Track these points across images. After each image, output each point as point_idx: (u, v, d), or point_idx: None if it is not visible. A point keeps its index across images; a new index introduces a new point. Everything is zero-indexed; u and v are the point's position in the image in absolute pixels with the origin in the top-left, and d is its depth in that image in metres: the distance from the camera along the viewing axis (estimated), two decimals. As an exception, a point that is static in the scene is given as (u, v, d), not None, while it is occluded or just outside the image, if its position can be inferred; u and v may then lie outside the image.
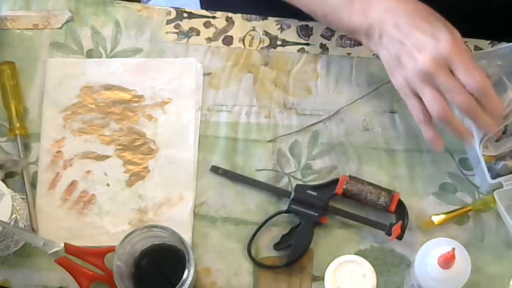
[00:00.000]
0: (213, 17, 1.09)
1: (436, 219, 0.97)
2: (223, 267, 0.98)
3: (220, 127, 1.03)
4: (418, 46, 0.88)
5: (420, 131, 0.93)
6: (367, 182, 0.98)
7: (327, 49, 1.07)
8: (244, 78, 1.06)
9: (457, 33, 0.89)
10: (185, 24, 1.09)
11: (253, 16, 1.09)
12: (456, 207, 0.99)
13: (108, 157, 1.02)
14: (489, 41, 1.06)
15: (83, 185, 1.01)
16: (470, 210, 0.98)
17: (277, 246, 0.98)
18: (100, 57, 1.07)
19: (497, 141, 0.99)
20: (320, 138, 1.03)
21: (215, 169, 1.02)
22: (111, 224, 0.99)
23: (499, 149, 0.99)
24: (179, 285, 0.87)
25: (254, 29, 1.08)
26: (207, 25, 1.09)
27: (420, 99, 0.90)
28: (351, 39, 1.06)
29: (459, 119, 0.91)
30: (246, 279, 0.97)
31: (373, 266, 0.87)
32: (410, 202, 0.98)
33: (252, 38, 1.08)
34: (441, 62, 0.87)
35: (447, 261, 0.83)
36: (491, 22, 1.08)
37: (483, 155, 0.97)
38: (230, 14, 1.09)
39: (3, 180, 0.96)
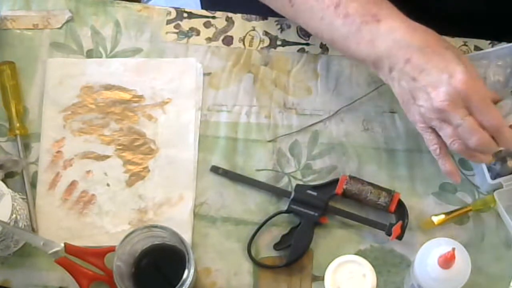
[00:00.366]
0: (213, 17, 1.09)
1: (436, 219, 0.97)
2: (223, 267, 0.98)
3: (220, 127, 1.03)
4: (432, 83, 0.86)
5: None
6: (367, 182, 0.98)
7: (327, 49, 1.07)
8: (244, 78, 1.06)
9: (466, 60, 0.88)
10: (185, 24, 1.09)
11: (253, 16, 1.09)
12: (456, 207, 0.99)
13: (108, 157, 1.02)
14: (489, 41, 1.06)
15: (83, 185, 1.01)
16: (470, 210, 0.98)
17: (277, 246, 0.98)
18: (100, 57, 1.07)
19: None
20: (320, 138, 1.03)
21: (215, 169, 1.02)
22: (111, 224, 0.99)
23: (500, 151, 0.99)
24: (179, 285, 0.87)
25: (254, 29, 1.08)
26: (207, 25, 1.09)
27: (436, 132, 0.90)
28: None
29: None
30: (246, 279, 0.97)
31: (373, 266, 0.87)
32: (410, 202, 0.98)
33: (252, 38, 1.08)
34: (457, 100, 0.85)
35: (447, 261, 0.83)
36: (491, 22, 1.08)
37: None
38: (230, 14, 1.09)
39: (3, 180, 0.96)
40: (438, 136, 0.90)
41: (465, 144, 0.88)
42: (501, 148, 0.91)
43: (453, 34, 1.06)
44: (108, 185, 1.01)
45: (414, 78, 0.87)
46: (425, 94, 0.87)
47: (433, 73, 0.86)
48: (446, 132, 0.88)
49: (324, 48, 1.07)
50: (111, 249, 0.93)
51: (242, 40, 1.08)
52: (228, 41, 1.08)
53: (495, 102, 0.90)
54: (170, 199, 1.00)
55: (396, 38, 0.88)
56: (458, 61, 0.86)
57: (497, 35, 1.06)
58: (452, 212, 0.98)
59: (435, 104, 0.86)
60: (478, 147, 0.87)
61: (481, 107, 0.86)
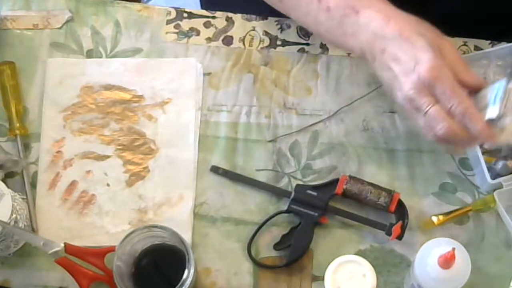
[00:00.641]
0: (213, 17, 1.09)
1: (436, 219, 0.97)
2: (223, 267, 0.98)
3: (220, 127, 1.03)
4: (403, 71, 0.86)
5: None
6: (367, 182, 0.98)
7: (327, 49, 1.07)
8: (244, 78, 1.06)
9: (445, 44, 0.88)
10: (185, 24, 1.09)
11: (253, 16, 1.09)
12: (456, 207, 0.99)
13: (108, 157, 1.02)
14: (489, 41, 1.06)
15: (83, 185, 1.01)
16: (470, 210, 0.98)
17: (277, 246, 0.98)
18: (100, 57, 1.07)
19: None
20: (320, 138, 1.03)
21: (215, 169, 1.02)
22: (111, 224, 0.99)
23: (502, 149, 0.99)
24: (179, 285, 0.87)
25: (254, 29, 1.08)
26: (207, 25, 1.09)
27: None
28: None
29: None
30: (246, 279, 0.97)
31: (373, 266, 0.87)
32: (410, 202, 0.98)
33: (252, 38, 1.08)
34: (421, 88, 0.85)
35: (447, 261, 0.83)
36: (491, 22, 1.08)
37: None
38: (230, 14, 1.09)
39: (3, 180, 0.96)
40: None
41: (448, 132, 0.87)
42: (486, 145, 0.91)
43: (453, 34, 1.06)
44: (108, 185, 1.01)
45: (390, 67, 0.87)
46: (398, 83, 0.87)
47: (403, 61, 0.86)
48: (419, 122, 0.88)
49: (324, 48, 1.07)
50: (111, 249, 0.93)
51: (242, 40, 1.08)
52: (228, 41, 1.08)
53: (479, 88, 0.89)
54: (170, 199, 1.00)
55: (372, 29, 0.88)
56: (428, 48, 0.85)
57: (497, 35, 1.06)
58: (452, 212, 0.98)
59: (404, 93, 0.86)
60: (445, 136, 0.86)
61: (448, 94, 0.85)
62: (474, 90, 0.89)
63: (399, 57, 0.86)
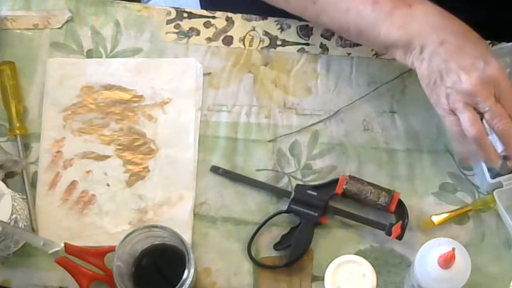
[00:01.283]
0: (213, 17, 1.09)
1: (436, 219, 0.97)
2: (223, 267, 0.98)
3: (220, 127, 1.03)
4: (465, 67, 0.87)
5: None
6: (367, 182, 0.98)
7: (327, 49, 1.07)
8: (244, 78, 1.06)
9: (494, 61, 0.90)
10: (185, 24, 1.09)
11: (253, 16, 1.09)
12: (456, 207, 0.99)
13: (108, 157, 1.02)
14: (489, 41, 1.06)
15: (83, 185, 1.01)
16: (470, 210, 0.98)
17: (277, 246, 0.98)
18: (100, 57, 1.07)
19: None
20: (320, 138, 1.03)
21: (215, 169, 1.02)
22: (111, 224, 0.99)
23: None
24: (179, 285, 0.87)
25: (254, 29, 1.08)
26: (207, 25, 1.09)
27: (457, 116, 0.90)
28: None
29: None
30: (246, 279, 0.97)
31: (373, 266, 0.87)
32: (410, 202, 0.98)
33: (252, 38, 1.08)
34: (488, 85, 0.87)
35: (447, 261, 0.83)
36: (491, 22, 1.08)
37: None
38: (230, 14, 1.09)
39: (3, 180, 0.95)
40: (459, 119, 0.90)
41: (483, 131, 0.88)
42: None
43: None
44: (108, 185, 1.01)
45: (447, 60, 0.88)
46: (456, 77, 0.87)
47: (467, 58, 0.87)
48: (467, 116, 0.88)
49: (324, 48, 1.07)
50: (111, 249, 0.93)
51: (242, 40, 1.08)
52: (228, 41, 1.08)
53: None
54: (170, 199, 1.00)
55: (431, 21, 0.90)
56: (490, 50, 0.90)
57: (497, 35, 1.06)
58: (452, 212, 0.98)
59: (466, 86, 0.87)
60: (502, 132, 0.88)
61: (510, 97, 0.87)
62: None
63: (461, 52, 0.88)
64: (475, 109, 0.88)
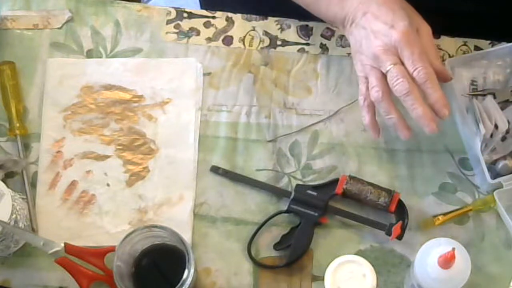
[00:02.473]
0: (213, 17, 1.09)
1: (436, 219, 0.97)
2: (223, 267, 0.98)
3: (220, 127, 1.03)
4: (376, 31, 0.92)
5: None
6: (367, 182, 0.98)
7: (327, 49, 1.07)
8: (244, 78, 1.06)
9: (423, 26, 0.93)
10: (185, 24, 1.09)
11: (253, 16, 1.09)
12: (456, 207, 0.99)
13: (108, 157, 1.02)
14: (489, 41, 1.06)
15: (83, 185, 1.01)
16: (470, 210, 0.98)
17: (277, 246, 0.98)
18: (100, 57, 1.07)
19: (503, 140, 0.99)
20: (320, 138, 1.03)
21: (215, 169, 1.02)
22: (111, 224, 0.99)
23: (508, 148, 0.99)
24: (179, 285, 0.87)
25: (254, 29, 1.08)
26: (207, 25, 1.09)
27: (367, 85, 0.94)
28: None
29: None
30: (246, 279, 0.97)
31: (373, 266, 0.87)
32: (410, 202, 0.98)
33: (252, 38, 1.08)
34: (390, 48, 0.91)
35: (447, 261, 0.83)
36: (491, 22, 1.08)
37: (494, 159, 0.97)
38: (230, 14, 1.09)
39: (3, 180, 0.96)
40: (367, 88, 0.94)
41: (386, 93, 0.91)
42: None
43: (453, 34, 1.06)
44: (108, 185, 1.01)
45: (364, 27, 0.93)
46: (368, 41, 0.92)
47: (379, 23, 0.92)
48: (372, 79, 0.92)
49: (324, 48, 1.07)
50: (111, 249, 0.93)
51: (242, 40, 1.08)
52: (228, 41, 1.08)
53: (444, 78, 0.93)
54: (170, 199, 1.00)
55: None
56: (405, 17, 0.91)
57: (497, 35, 1.06)
58: (452, 212, 0.98)
59: (371, 49, 0.92)
60: (401, 92, 0.90)
61: (414, 57, 0.90)
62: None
63: (376, 20, 0.92)
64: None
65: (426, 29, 0.94)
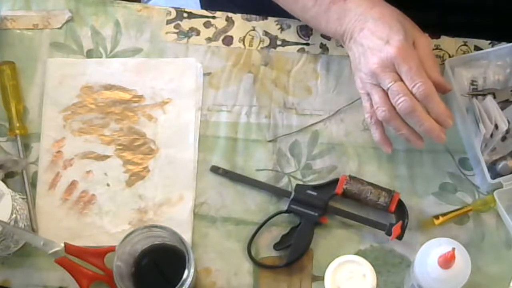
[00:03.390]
0: (213, 17, 1.09)
1: (436, 219, 0.97)
2: (223, 267, 0.98)
3: (220, 127, 1.03)
4: (372, 48, 0.92)
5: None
6: (367, 182, 0.98)
7: (327, 49, 1.07)
8: (244, 78, 1.06)
9: (420, 38, 0.93)
10: (185, 24, 1.09)
11: (253, 16, 1.09)
12: (456, 207, 0.99)
13: (108, 157, 1.02)
14: (489, 41, 1.06)
15: (83, 185, 1.01)
16: (470, 210, 0.98)
17: (277, 246, 0.98)
18: (100, 57, 1.07)
19: (503, 140, 0.99)
20: (320, 138, 1.03)
21: (215, 169, 1.02)
22: (111, 224, 0.99)
23: (508, 148, 0.99)
24: (179, 285, 0.87)
25: (254, 29, 1.08)
26: (207, 25, 1.09)
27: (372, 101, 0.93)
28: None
29: None
30: (246, 279, 0.97)
31: (373, 266, 0.87)
32: (410, 202, 0.98)
33: (252, 38, 1.08)
34: (387, 65, 0.90)
35: (447, 261, 0.83)
36: (491, 22, 1.08)
37: (494, 159, 0.97)
38: (230, 14, 1.09)
39: (3, 180, 0.96)
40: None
41: (392, 111, 0.91)
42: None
43: (453, 34, 1.06)
44: (108, 185, 1.01)
45: (362, 44, 0.93)
46: (365, 59, 0.92)
47: (375, 39, 0.92)
48: (375, 97, 0.92)
49: (324, 48, 1.07)
50: (111, 249, 0.93)
51: (242, 40, 1.08)
52: (228, 41, 1.08)
53: (443, 90, 0.93)
54: (170, 199, 1.00)
55: (358, 13, 0.94)
56: (400, 32, 0.91)
57: (497, 35, 1.06)
58: (452, 212, 0.98)
59: (369, 66, 0.91)
60: (404, 111, 0.90)
61: (412, 73, 0.89)
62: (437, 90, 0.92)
63: (372, 36, 0.92)
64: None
65: (423, 40, 0.93)
